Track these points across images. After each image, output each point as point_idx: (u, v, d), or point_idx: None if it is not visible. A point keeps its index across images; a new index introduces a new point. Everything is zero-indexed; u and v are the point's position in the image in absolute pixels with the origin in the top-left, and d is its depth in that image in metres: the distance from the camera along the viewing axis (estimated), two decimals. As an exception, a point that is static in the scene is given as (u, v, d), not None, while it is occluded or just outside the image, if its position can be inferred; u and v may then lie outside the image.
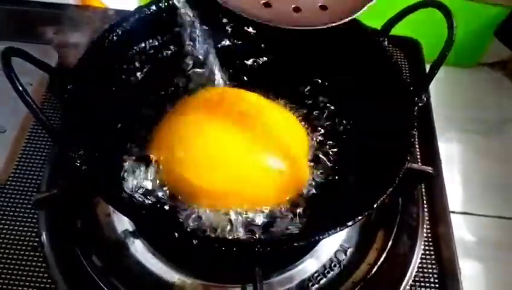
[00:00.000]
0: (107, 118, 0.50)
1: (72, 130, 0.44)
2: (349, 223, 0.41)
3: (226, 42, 0.59)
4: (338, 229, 0.41)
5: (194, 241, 0.39)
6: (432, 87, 0.69)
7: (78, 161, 0.42)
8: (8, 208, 0.56)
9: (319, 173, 0.51)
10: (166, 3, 0.57)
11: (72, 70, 0.47)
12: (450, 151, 0.87)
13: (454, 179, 0.84)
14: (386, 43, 0.54)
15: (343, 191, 0.48)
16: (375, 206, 0.42)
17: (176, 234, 0.39)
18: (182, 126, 0.51)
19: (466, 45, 0.84)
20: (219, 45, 0.59)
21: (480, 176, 0.85)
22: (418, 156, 0.63)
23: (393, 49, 0.72)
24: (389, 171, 0.45)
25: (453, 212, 0.63)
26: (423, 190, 0.60)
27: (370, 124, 0.52)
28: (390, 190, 0.43)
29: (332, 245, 0.54)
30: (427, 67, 0.76)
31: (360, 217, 0.41)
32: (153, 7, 0.56)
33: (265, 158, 0.49)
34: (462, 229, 0.77)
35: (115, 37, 0.53)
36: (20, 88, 0.38)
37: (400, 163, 0.44)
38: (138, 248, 0.53)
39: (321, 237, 0.40)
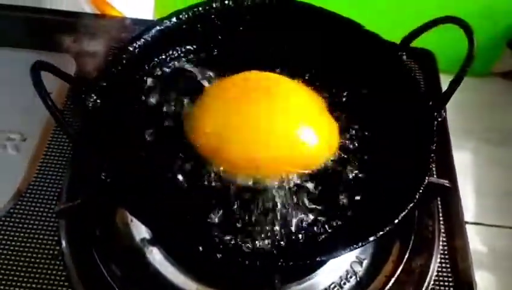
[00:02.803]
0: (129, 128, 0.51)
1: (97, 142, 0.44)
2: (371, 239, 0.41)
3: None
4: (360, 244, 0.41)
5: (218, 256, 0.40)
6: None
7: (104, 174, 0.42)
8: (29, 216, 0.56)
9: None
10: (186, 15, 0.57)
11: (96, 82, 0.48)
12: (463, 161, 0.87)
13: (466, 188, 0.84)
14: (404, 57, 0.54)
15: (362, 207, 0.48)
16: (396, 222, 0.42)
17: (200, 248, 0.40)
18: (216, 106, 0.53)
19: (479, 54, 0.83)
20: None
21: (493, 185, 0.85)
22: (434, 168, 0.63)
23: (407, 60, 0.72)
24: (409, 187, 0.45)
25: (466, 222, 0.63)
26: (439, 202, 0.60)
27: (387, 138, 0.52)
28: (411, 205, 0.43)
29: (348, 256, 0.55)
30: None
31: (381, 233, 0.42)
32: (174, 18, 0.57)
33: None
34: (474, 240, 0.77)
35: (136, 49, 0.54)
36: (50, 103, 0.39)
37: (419, 179, 0.45)
38: (156, 257, 0.53)
39: (342, 253, 0.41)
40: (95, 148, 0.43)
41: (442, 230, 0.58)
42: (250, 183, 0.48)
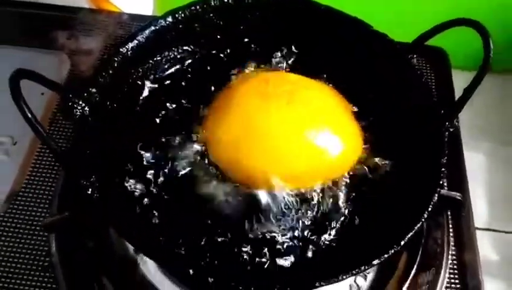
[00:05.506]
0: (120, 139, 0.48)
1: (84, 155, 0.42)
2: (375, 262, 0.39)
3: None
4: (363, 268, 0.38)
5: (210, 280, 0.37)
6: (456, 93, 0.65)
7: (90, 189, 0.40)
8: (19, 225, 0.54)
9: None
10: (183, 14, 0.54)
11: (85, 89, 0.45)
12: (474, 162, 0.83)
13: (477, 192, 0.80)
14: (415, 60, 0.51)
15: (367, 223, 0.45)
16: (402, 243, 0.39)
17: (191, 271, 0.37)
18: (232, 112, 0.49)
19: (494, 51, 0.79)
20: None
21: (506, 189, 0.81)
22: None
23: (418, 59, 0.68)
24: (417, 204, 0.42)
25: (476, 228, 0.60)
26: (448, 212, 0.57)
27: (394, 148, 0.49)
28: (418, 226, 0.40)
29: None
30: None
31: (386, 256, 0.39)
32: (169, 18, 0.54)
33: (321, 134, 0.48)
34: (485, 247, 0.74)
35: (129, 51, 0.51)
36: (30, 115, 0.36)
37: (428, 196, 0.42)
38: (151, 269, 0.51)
39: (344, 278, 0.38)
40: (80, 163, 0.40)
41: (452, 243, 0.55)
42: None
